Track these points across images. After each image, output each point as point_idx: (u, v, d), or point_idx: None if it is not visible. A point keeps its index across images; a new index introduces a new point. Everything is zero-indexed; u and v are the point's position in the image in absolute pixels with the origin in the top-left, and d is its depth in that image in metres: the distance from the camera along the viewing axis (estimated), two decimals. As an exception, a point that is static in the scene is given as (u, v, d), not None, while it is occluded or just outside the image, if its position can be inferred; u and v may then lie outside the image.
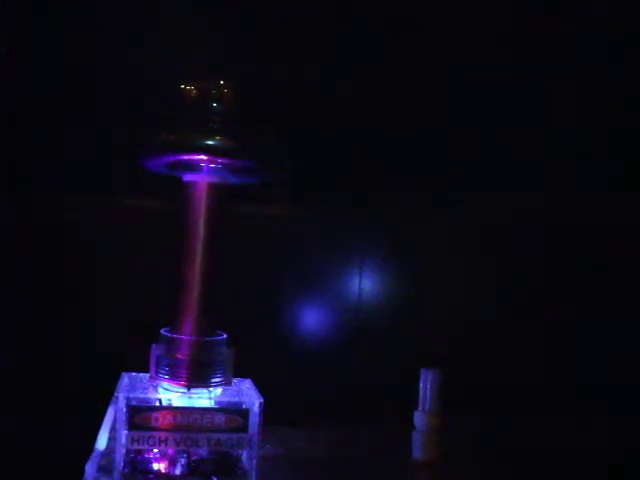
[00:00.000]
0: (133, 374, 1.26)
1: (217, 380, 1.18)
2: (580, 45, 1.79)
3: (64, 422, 1.55)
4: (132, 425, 1.11)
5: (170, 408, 1.14)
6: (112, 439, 1.15)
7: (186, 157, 1.17)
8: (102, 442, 1.19)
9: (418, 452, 1.39)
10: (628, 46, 1.82)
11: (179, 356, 1.17)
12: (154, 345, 1.19)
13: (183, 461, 1.15)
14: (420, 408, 1.41)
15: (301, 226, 1.86)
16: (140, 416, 1.11)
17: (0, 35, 1.60)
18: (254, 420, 1.14)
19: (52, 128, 1.68)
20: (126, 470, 1.12)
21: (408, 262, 1.89)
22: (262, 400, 1.15)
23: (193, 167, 1.19)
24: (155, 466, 1.14)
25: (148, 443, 1.12)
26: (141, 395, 1.14)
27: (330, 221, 1.84)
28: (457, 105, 1.81)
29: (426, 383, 1.42)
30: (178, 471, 1.14)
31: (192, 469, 1.14)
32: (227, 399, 1.18)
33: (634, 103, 1.86)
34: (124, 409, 1.11)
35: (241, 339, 1.23)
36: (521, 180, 1.86)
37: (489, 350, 1.82)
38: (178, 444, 1.12)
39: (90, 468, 1.13)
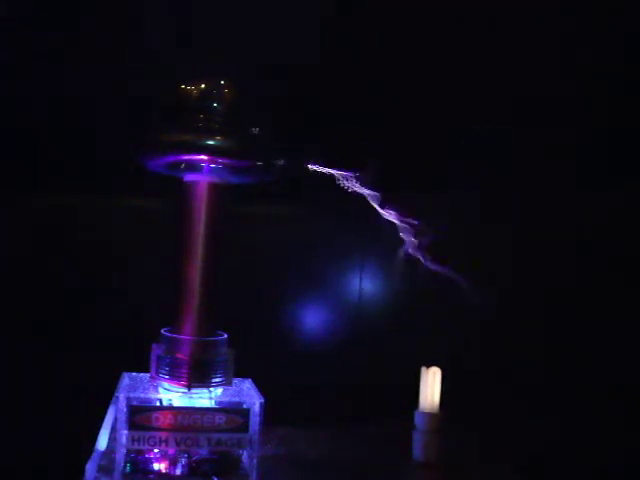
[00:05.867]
0: (133, 374, 1.26)
1: (217, 380, 1.18)
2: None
3: (64, 422, 1.55)
4: (132, 425, 1.11)
5: (170, 408, 1.14)
6: (112, 439, 1.15)
7: (187, 157, 1.17)
8: (102, 442, 1.19)
9: (418, 452, 1.39)
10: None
11: (179, 356, 1.17)
12: (154, 345, 1.19)
13: (184, 461, 1.15)
14: (420, 408, 1.41)
15: (301, 226, 1.85)
16: (140, 416, 1.11)
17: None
18: (254, 420, 1.14)
19: (52, 128, 1.68)
20: (126, 470, 1.13)
21: (408, 262, 1.89)
22: (262, 400, 1.16)
23: (194, 167, 1.19)
24: (156, 466, 1.14)
25: (148, 443, 1.12)
26: (141, 395, 1.15)
27: (330, 221, 1.84)
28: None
29: (426, 383, 1.42)
30: (179, 471, 1.14)
31: (193, 469, 1.14)
32: (227, 399, 1.18)
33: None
34: (124, 409, 1.11)
35: (241, 339, 1.23)
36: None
37: (489, 350, 1.82)
38: (178, 444, 1.12)
39: (90, 468, 1.13)
